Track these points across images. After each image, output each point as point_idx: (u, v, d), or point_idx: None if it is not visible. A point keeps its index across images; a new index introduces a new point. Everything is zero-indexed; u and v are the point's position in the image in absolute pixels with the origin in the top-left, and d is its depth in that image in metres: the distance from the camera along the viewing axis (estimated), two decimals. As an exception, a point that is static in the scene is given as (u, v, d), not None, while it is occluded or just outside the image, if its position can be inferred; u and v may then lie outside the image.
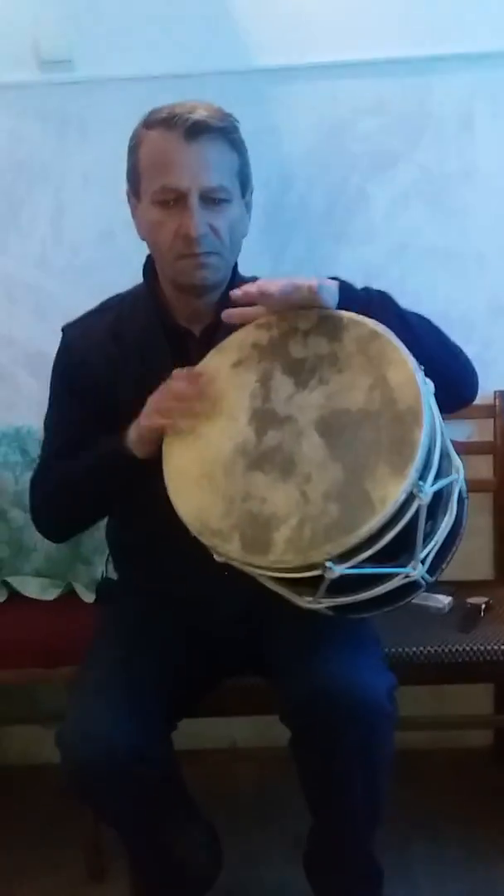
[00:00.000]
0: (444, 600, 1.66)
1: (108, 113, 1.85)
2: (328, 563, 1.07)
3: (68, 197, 1.90)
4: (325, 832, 1.33)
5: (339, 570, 1.08)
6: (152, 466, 1.22)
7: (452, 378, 1.28)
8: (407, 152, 1.85)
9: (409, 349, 1.15)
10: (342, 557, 1.08)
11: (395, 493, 1.06)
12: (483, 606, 1.65)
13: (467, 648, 1.50)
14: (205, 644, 1.39)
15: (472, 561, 1.85)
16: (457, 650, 1.50)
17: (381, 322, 1.18)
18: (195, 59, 1.82)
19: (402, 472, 1.07)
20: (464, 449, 1.45)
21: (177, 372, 1.25)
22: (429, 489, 1.08)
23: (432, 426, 1.11)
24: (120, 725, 1.20)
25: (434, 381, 1.15)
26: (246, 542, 1.12)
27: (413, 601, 1.62)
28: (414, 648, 1.50)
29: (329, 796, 1.26)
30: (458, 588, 1.72)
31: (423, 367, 1.13)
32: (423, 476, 1.08)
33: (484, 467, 1.87)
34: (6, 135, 1.89)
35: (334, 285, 1.22)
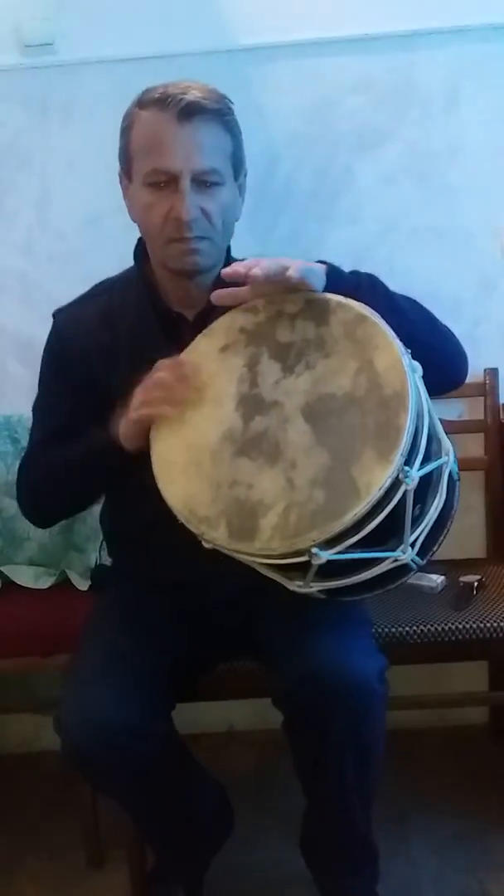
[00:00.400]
0: (436, 579, 1.66)
1: (91, 96, 1.83)
2: (314, 550, 1.07)
3: (53, 182, 1.88)
4: (318, 814, 1.34)
5: (326, 555, 1.08)
6: (144, 454, 1.22)
7: (442, 361, 1.27)
8: (393, 130, 1.84)
9: (399, 333, 1.14)
10: (329, 543, 1.08)
11: (380, 479, 1.05)
12: (475, 584, 1.65)
13: (461, 626, 1.51)
14: (199, 629, 1.39)
15: (465, 539, 1.85)
16: (450, 628, 1.50)
17: (369, 306, 1.17)
18: (178, 39, 1.80)
19: (387, 458, 1.06)
20: (455, 428, 1.45)
21: (160, 362, 1.24)
22: (415, 474, 1.08)
23: (419, 410, 1.10)
24: (117, 705, 1.20)
25: (424, 364, 1.14)
26: (233, 529, 1.12)
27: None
28: (408, 628, 1.51)
29: (321, 778, 1.27)
30: (450, 567, 1.73)
31: (410, 351, 1.13)
32: (409, 461, 1.08)
33: (475, 446, 1.87)
34: (-12, 120, 1.87)
35: (321, 269, 1.21)
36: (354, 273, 1.27)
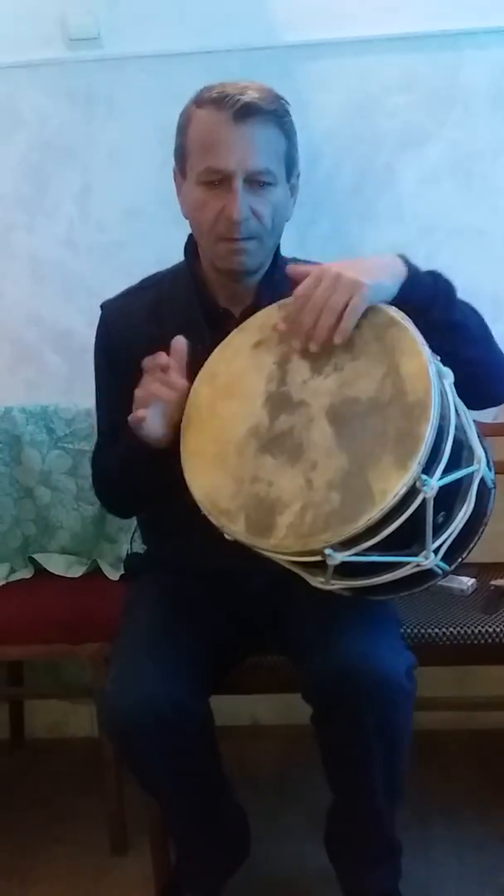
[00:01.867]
0: (467, 582, 1.66)
1: (135, 90, 1.84)
2: (328, 551, 1.07)
3: (95, 175, 1.90)
4: (345, 809, 1.34)
5: (341, 557, 1.08)
6: (178, 446, 1.23)
7: (488, 378, 1.27)
8: (436, 129, 1.83)
9: (453, 345, 1.14)
10: (344, 545, 1.08)
11: (395, 487, 1.05)
12: (507, 589, 1.64)
13: (490, 630, 1.50)
14: (231, 619, 1.41)
15: (497, 543, 1.82)
16: (479, 632, 1.50)
17: (438, 319, 1.17)
18: (222, 35, 1.80)
19: (404, 466, 1.06)
20: (490, 430, 1.43)
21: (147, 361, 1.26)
22: (435, 483, 1.07)
23: (444, 418, 1.09)
24: (162, 680, 1.22)
25: (469, 380, 1.14)
26: (250, 523, 1.13)
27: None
28: (436, 630, 1.50)
29: (350, 773, 1.27)
30: (481, 570, 1.71)
31: (439, 357, 1.12)
32: (428, 469, 1.07)
33: (510, 449, 1.86)
34: (34, 113, 1.89)
35: (393, 281, 1.18)
36: (432, 280, 1.24)
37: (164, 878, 1.50)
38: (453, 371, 1.14)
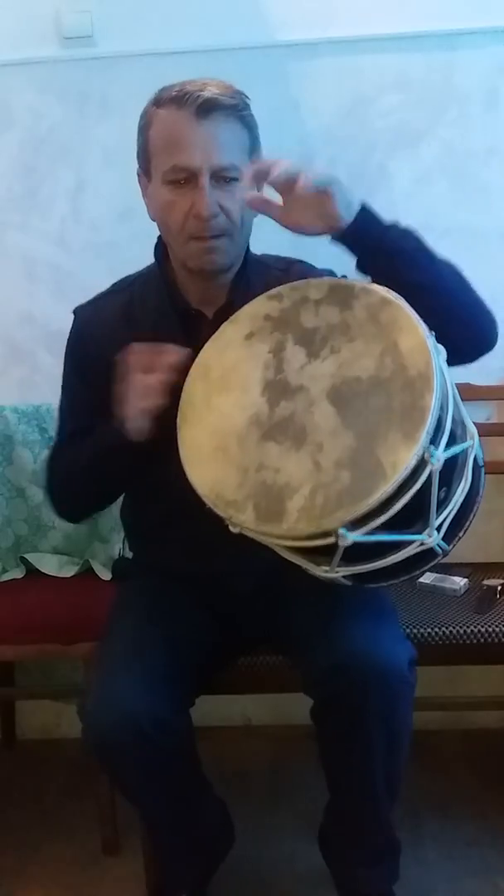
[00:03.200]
0: (459, 582, 1.66)
1: (128, 89, 1.83)
2: (341, 531, 1.07)
3: (88, 174, 1.90)
4: (344, 804, 1.34)
5: (353, 537, 1.08)
6: (164, 447, 1.22)
7: (471, 319, 1.27)
8: (430, 129, 1.83)
9: (429, 286, 1.15)
10: (355, 524, 1.08)
11: (406, 458, 1.06)
12: (499, 588, 1.64)
13: (483, 630, 1.50)
14: (221, 621, 1.40)
15: (489, 543, 1.84)
16: (472, 631, 1.50)
17: (399, 253, 1.19)
18: (216, 34, 1.80)
19: (413, 438, 1.06)
20: (483, 430, 1.43)
21: (136, 351, 1.25)
22: (441, 454, 1.08)
23: (444, 392, 1.10)
24: (142, 696, 1.21)
25: (453, 325, 1.15)
26: (260, 511, 1.13)
27: (428, 582, 1.65)
28: (429, 629, 1.50)
29: (350, 766, 1.27)
30: (473, 570, 1.72)
31: (433, 333, 1.13)
32: (434, 441, 1.08)
33: (502, 449, 1.86)
34: (27, 111, 1.88)
35: (354, 198, 1.21)
36: (393, 227, 1.25)
37: (155, 879, 1.50)
38: (433, 320, 1.14)
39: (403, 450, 1.07)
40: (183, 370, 1.25)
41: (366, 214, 1.22)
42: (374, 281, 1.23)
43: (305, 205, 1.19)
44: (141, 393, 1.24)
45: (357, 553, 1.12)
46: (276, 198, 1.22)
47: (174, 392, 1.24)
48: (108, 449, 1.31)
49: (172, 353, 1.24)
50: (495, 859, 1.60)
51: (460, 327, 1.18)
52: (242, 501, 1.14)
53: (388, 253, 1.21)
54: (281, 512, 1.11)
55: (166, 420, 1.23)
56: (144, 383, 1.24)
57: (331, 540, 1.09)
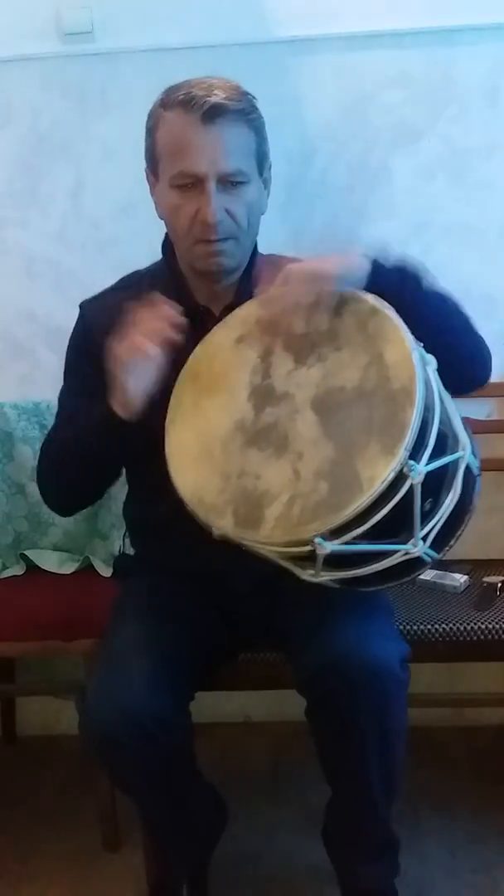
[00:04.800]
0: (459, 579, 1.66)
1: (129, 85, 1.83)
2: (317, 540, 1.07)
3: (89, 171, 1.89)
4: (342, 802, 1.34)
5: (331, 546, 1.08)
6: (162, 443, 1.22)
7: (465, 365, 1.27)
8: (430, 126, 1.83)
9: (430, 329, 1.13)
10: (334, 534, 1.08)
11: (383, 473, 1.05)
12: (499, 585, 1.64)
13: (483, 627, 1.50)
14: (221, 618, 1.41)
15: (489, 540, 1.84)
16: (472, 628, 1.50)
17: (411, 302, 1.17)
18: (216, 30, 1.80)
19: (391, 452, 1.06)
20: (483, 427, 1.44)
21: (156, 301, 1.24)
22: (422, 468, 1.07)
23: (428, 404, 1.10)
24: (144, 692, 1.21)
25: (447, 365, 1.14)
26: (238, 518, 1.13)
27: (429, 579, 1.65)
28: (429, 626, 1.50)
29: (345, 764, 1.27)
30: (474, 567, 1.72)
31: (422, 344, 1.12)
32: (415, 455, 1.07)
33: (503, 446, 1.86)
34: (27, 107, 1.88)
35: (363, 266, 1.20)
36: (399, 267, 1.25)
37: (155, 873, 1.50)
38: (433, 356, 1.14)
39: (381, 464, 1.06)
40: (174, 368, 1.25)
41: (375, 276, 1.21)
42: None
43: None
44: (141, 339, 1.22)
45: (340, 560, 1.12)
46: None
47: (170, 387, 1.23)
48: (98, 426, 1.29)
49: (171, 313, 1.23)
50: (495, 855, 1.60)
51: (460, 368, 1.18)
52: (223, 507, 1.15)
53: (397, 305, 1.19)
54: (259, 519, 1.12)
55: (162, 414, 1.23)
56: (145, 330, 1.22)
57: (308, 548, 1.09)
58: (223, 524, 1.14)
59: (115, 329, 1.37)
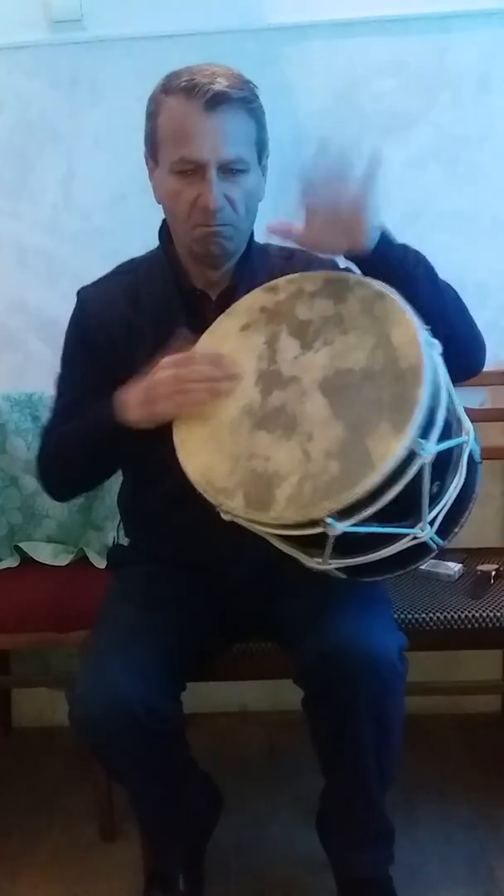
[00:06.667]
0: (454, 567, 1.66)
1: (119, 73, 1.82)
2: (329, 520, 1.07)
3: (79, 160, 1.88)
4: (337, 791, 1.35)
5: (342, 527, 1.08)
6: (163, 434, 1.22)
7: (463, 348, 1.27)
8: (423, 113, 1.82)
9: (430, 312, 1.14)
10: (344, 514, 1.08)
11: (394, 450, 1.06)
12: (493, 573, 1.65)
13: (477, 615, 1.50)
14: (217, 608, 1.41)
15: (483, 528, 1.85)
16: (466, 617, 1.50)
17: (413, 279, 1.19)
18: (208, 17, 1.79)
19: (402, 429, 1.07)
20: (477, 416, 1.44)
21: (200, 354, 1.23)
22: (432, 447, 1.08)
23: (435, 385, 1.10)
24: (133, 682, 1.21)
25: (449, 349, 1.15)
26: (249, 499, 1.13)
27: (423, 568, 1.65)
28: (424, 615, 1.51)
29: (342, 754, 1.28)
30: (468, 555, 1.72)
31: (429, 328, 1.13)
32: (425, 434, 1.08)
33: (497, 434, 1.86)
34: (16, 96, 1.87)
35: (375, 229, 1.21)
36: (404, 245, 1.26)
37: (152, 863, 1.50)
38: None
39: (393, 441, 1.07)
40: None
41: (386, 240, 1.22)
42: None
43: (333, 226, 1.19)
44: (169, 393, 1.21)
45: (349, 545, 1.12)
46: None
47: None
48: (103, 427, 1.30)
49: (228, 376, 1.22)
50: (489, 842, 1.61)
51: (457, 355, 1.18)
52: (232, 489, 1.15)
53: (400, 279, 1.20)
54: (269, 500, 1.12)
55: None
56: (181, 383, 1.21)
57: (319, 529, 1.09)
58: (233, 505, 1.14)
59: (111, 314, 1.37)
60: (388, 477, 1.06)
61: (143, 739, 1.23)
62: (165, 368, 1.22)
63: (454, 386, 1.19)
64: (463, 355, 1.27)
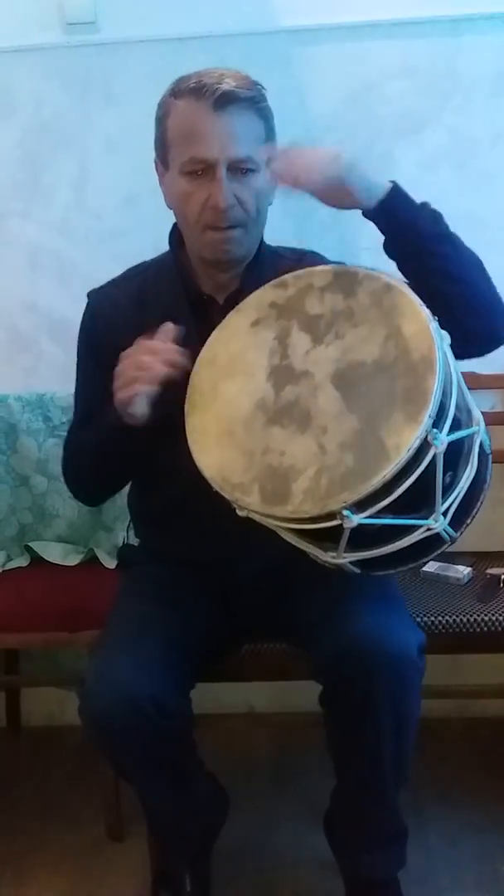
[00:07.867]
0: (463, 571, 1.66)
1: (132, 75, 1.83)
2: (345, 512, 1.08)
3: (91, 162, 1.89)
4: (352, 789, 1.34)
5: (358, 519, 1.08)
6: (172, 433, 1.22)
7: (490, 309, 1.28)
8: (435, 115, 1.82)
9: (452, 269, 1.18)
10: (360, 506, 1.09)
11: (409, 440, 1.07)
12: (502, 577, 1.65)
13: (486, 619, 1.50)
14: (226, 607, 1.41)
15: (492, 531, 1.83)
16: (476, 620, 1.50)
17: (426, 234, 1.22)
18: (220, 20, 1.79)
19: (415, 419, 1.07)
20: (487, 420, 1.43)
21: (143, 344, 1.25)
22: (444, 437, 1.08)
23: (447, 376, 1.11)
24: (142, 678, 1.22)
25: (471, 309, 1.17)
26: (266, 494, 1.14)
27: (432, 571, 1.65)
28: (433, 618, 1.50)
29: (360, 749, 1.27)
30: (477, 559, 1.72)
31: (437, 318, 1.14)
32: (438, 424, 1.09)
33: (506, 438, 1.86)
34: (30, 98, 1.88)
35: (382, 183, 1.24)
36: (423, 203, 1.27)
37: (159, 863, 1.51)
38: (450, 308, 1.16)
39: (406, 431, 1.07)
40: (190, 358, 1.25)
41: (396, 194, 1.24)
42: (399, 266, 1.25)
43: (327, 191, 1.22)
44: (132, 377, 1.23)
45: (364, 538, 1.12)
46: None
47: (181, 379, 1.24)
48: (109, 433, 1.32)
49: (174, 351, 1.23)
50: (497, 846, 1.61)
51: (476, 318, 1.19)
52: (248, 484, 1.15)
53: (416, 235, 1.22)
54: (286, 494, 1.12)
55: (173, 407, 1.23)
56: (138, 366, 1.23)
57: (336, 522, 1.09)
58: (250, 501, 1.14)
59: (119, 319, 1.37)
60: (402, 467, 1.07)
61: (151, 735, 1.23)
62: (122, 360, 1.24)
63: (478, 356, 1.21)
64: (485, 320, 1.27)
